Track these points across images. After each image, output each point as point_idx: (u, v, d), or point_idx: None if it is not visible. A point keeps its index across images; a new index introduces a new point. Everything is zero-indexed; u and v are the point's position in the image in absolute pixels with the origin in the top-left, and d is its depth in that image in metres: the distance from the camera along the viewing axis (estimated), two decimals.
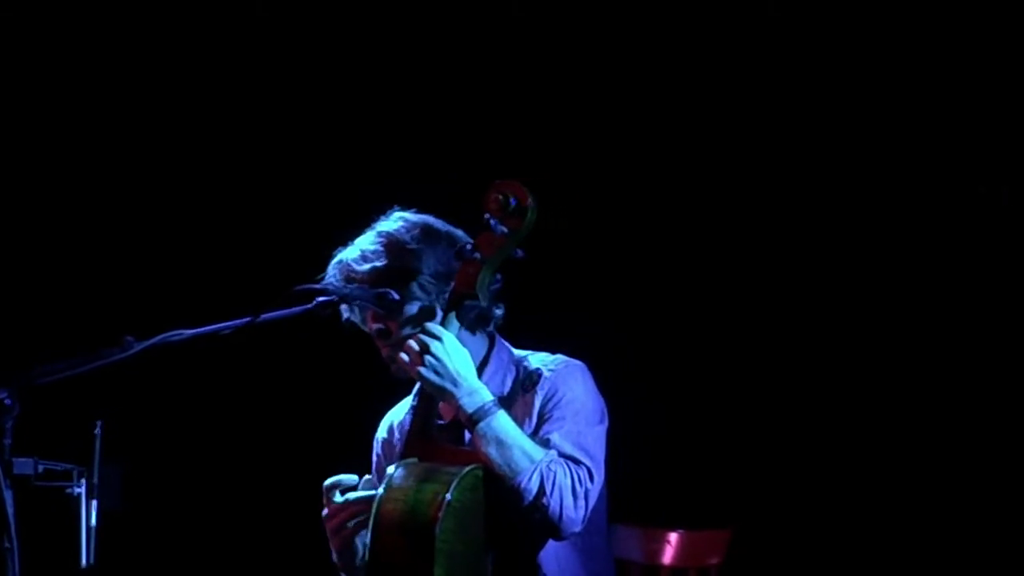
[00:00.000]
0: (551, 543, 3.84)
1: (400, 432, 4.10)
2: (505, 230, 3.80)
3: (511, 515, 3.74)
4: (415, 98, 6.25)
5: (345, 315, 4.00)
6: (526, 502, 3.69)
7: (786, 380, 5.73)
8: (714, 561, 4.62)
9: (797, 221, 5.84)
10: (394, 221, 3.97)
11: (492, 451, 3.71)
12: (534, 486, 3.69)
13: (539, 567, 3.84)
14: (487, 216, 3.81)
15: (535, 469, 3.70)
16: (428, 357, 3.74)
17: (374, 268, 3.88)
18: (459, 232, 3.97)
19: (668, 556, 4.57)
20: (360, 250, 3.93)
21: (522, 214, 3.80)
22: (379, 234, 3.94)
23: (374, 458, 4.18)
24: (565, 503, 3.72)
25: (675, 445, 5.74)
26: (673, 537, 4.55)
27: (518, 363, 3.98)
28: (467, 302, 3.83)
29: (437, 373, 3.74)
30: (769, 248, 5.85)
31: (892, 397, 5.60)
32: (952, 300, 5.57)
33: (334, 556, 3.90)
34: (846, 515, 5.62)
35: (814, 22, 5.76)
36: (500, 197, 3.81)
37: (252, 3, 6.40)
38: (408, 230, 3.93)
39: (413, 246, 3.90)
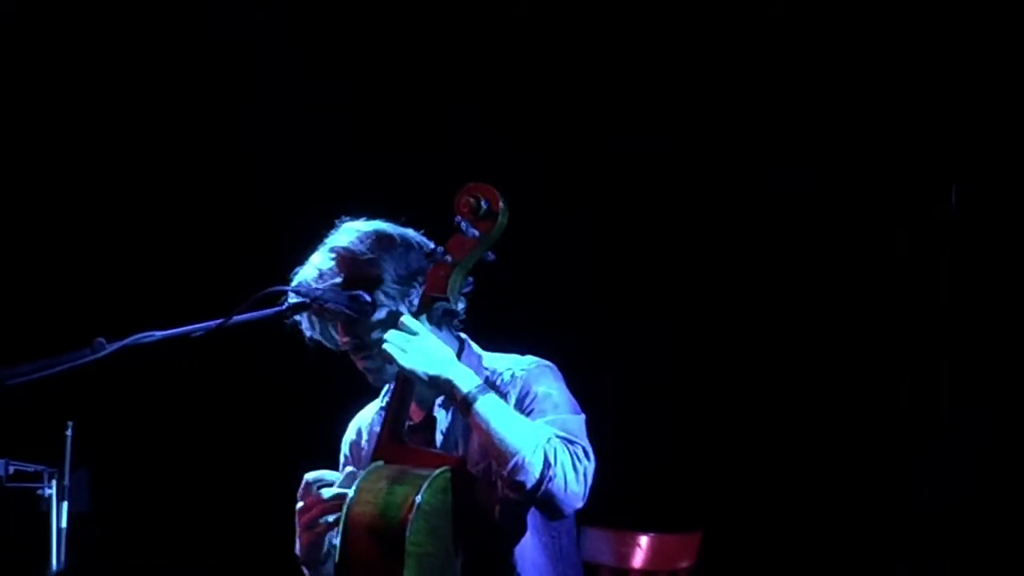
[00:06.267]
0: (521, 545, 3.87)
1: (368, 434, 4.11)
2: (476, 233, 3.82)
3: (485, 513, 3.78)
4: (383, 97, 6.27)
5: (308, 333, 4.00)
6: (531, 478, 3.69)
7: (755, 383, 5.75)
8: (685, 564, 4.61)
9: (769, 228, 5.87)
10: (345, 234, 3.97)
11: (493, 427, 3.70)
12: (538, 460, 3.68)
13: (508, 568, 3.86)
14: (458, 219, 3.82)
15: (538, 444, 3.70)
16: (414, 348, 3.73)
17: (333, 285, 3.89)
18: (411, 232, 4.00)
19: (639, 559, 4.57)
20: (317, 269, 3.93)
21: (493, 217, 3.82)
22: (332, 250, 3.94)
23: (341, 459, 4.18)
24: (568, 478, 3.72)
25: (646, 448, 5.76)
26: (644, 540, 4.55)
27: (487, 364, 3.99)
28: (437, 304, 3.85)
29: (427, 361, 3.74)
30: (731, 255, 5.88)
31: (860, 400, 5.64)
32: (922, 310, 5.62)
33: (298, 548, 3.87)
34: (817, 517, 5.65)
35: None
36: (472, 200, 3.82)
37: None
38: (361, 241, 3.93)
39: (369, 256, 3.91)
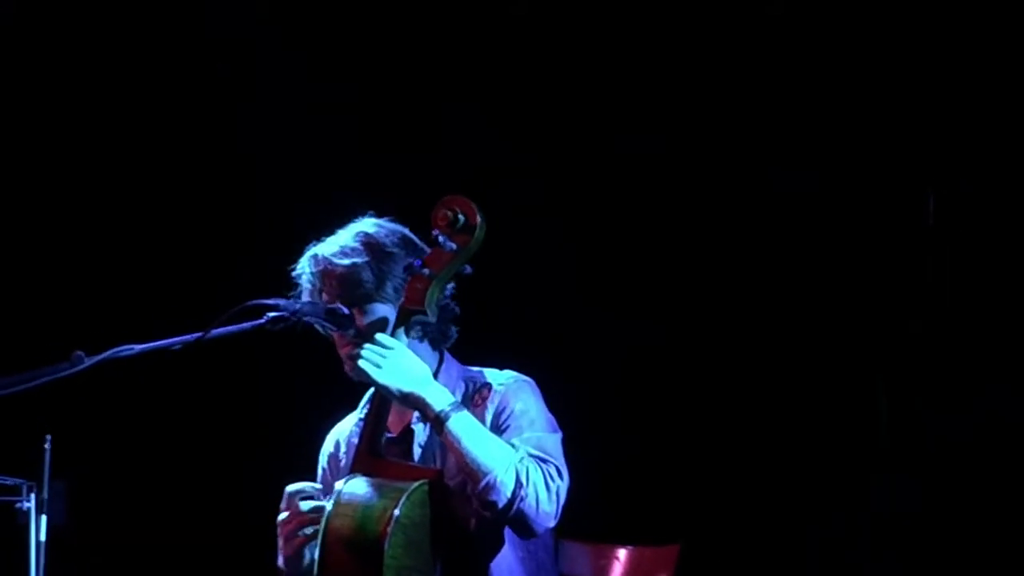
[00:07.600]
0: (498, 558, 3.87)
1: (347, 446, 4.12)
2: (454, 246, 3.83)
3: (463, 526, 3.78)
4: (383, 97, 6.27)
5: (305, 297, 4.00)
6: (503, 497, 3.71)
7: (733, 395, 5.74)
8: None
9: (768, 229, 5.85)
10: (371, 224, 4.01)
11: (465, 446, 3.73)
12: (511, 480, 3.71)
13: None
14: (436, 232, 3.84)
15: (510, 463, 3.72)
16: (388, 364, 3.76)
17: (354, 264, 3.90)
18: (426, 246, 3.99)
19: (616, 572, 4.56)
20: (339, 246, 3.95)
21: (470, 231, 3.83)
22: (359, 233, 3.97)
23: (320, 472, 4.19)
24: (540, 497, 3.74)
25: (624, 461, 5.75)
26: (621, 553, 4.53)
27: (467, 378, 4.01)
28: (415, 317, 3.85)
29: (400, 378, 3.76)
30: (708, 261, 5.86)
31: (840, 413, 5.62)
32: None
33: (280, 561, 3.88)
34: (794, 530, 5.64)
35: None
36: (449, 213, 3.84)
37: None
38: (387, 234, 3.97)
39: (391, 249, 3.93)
